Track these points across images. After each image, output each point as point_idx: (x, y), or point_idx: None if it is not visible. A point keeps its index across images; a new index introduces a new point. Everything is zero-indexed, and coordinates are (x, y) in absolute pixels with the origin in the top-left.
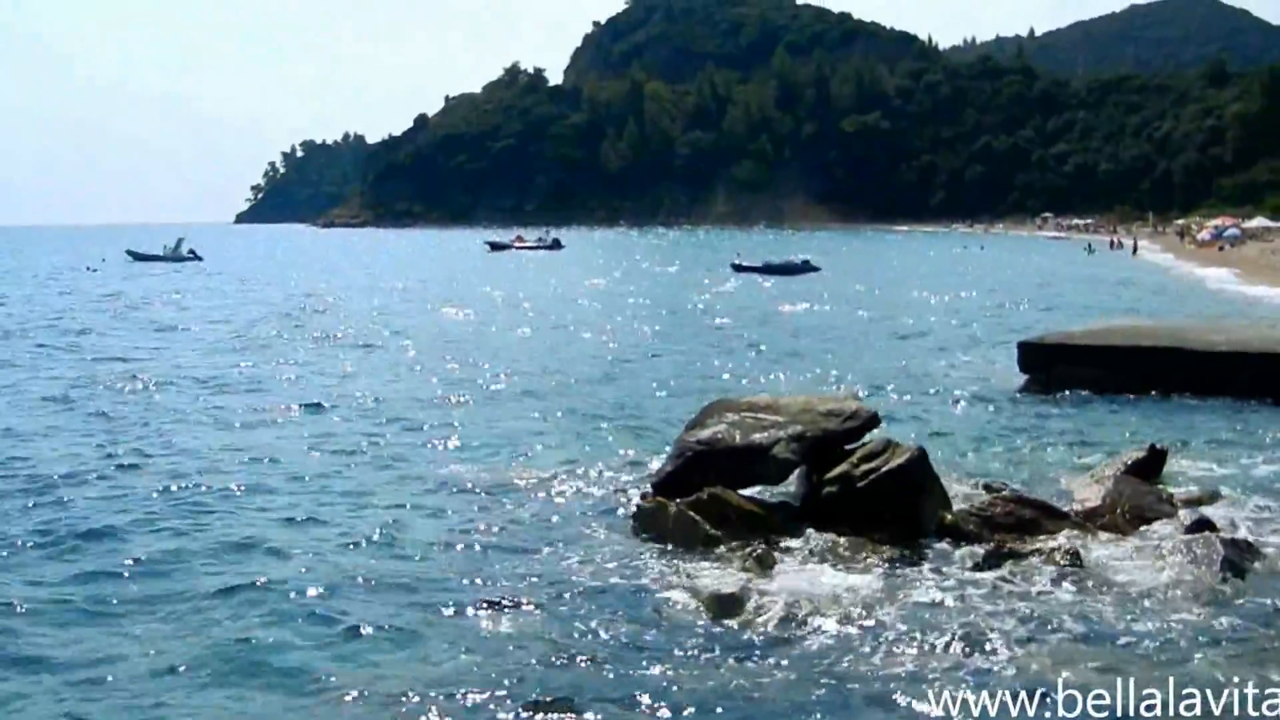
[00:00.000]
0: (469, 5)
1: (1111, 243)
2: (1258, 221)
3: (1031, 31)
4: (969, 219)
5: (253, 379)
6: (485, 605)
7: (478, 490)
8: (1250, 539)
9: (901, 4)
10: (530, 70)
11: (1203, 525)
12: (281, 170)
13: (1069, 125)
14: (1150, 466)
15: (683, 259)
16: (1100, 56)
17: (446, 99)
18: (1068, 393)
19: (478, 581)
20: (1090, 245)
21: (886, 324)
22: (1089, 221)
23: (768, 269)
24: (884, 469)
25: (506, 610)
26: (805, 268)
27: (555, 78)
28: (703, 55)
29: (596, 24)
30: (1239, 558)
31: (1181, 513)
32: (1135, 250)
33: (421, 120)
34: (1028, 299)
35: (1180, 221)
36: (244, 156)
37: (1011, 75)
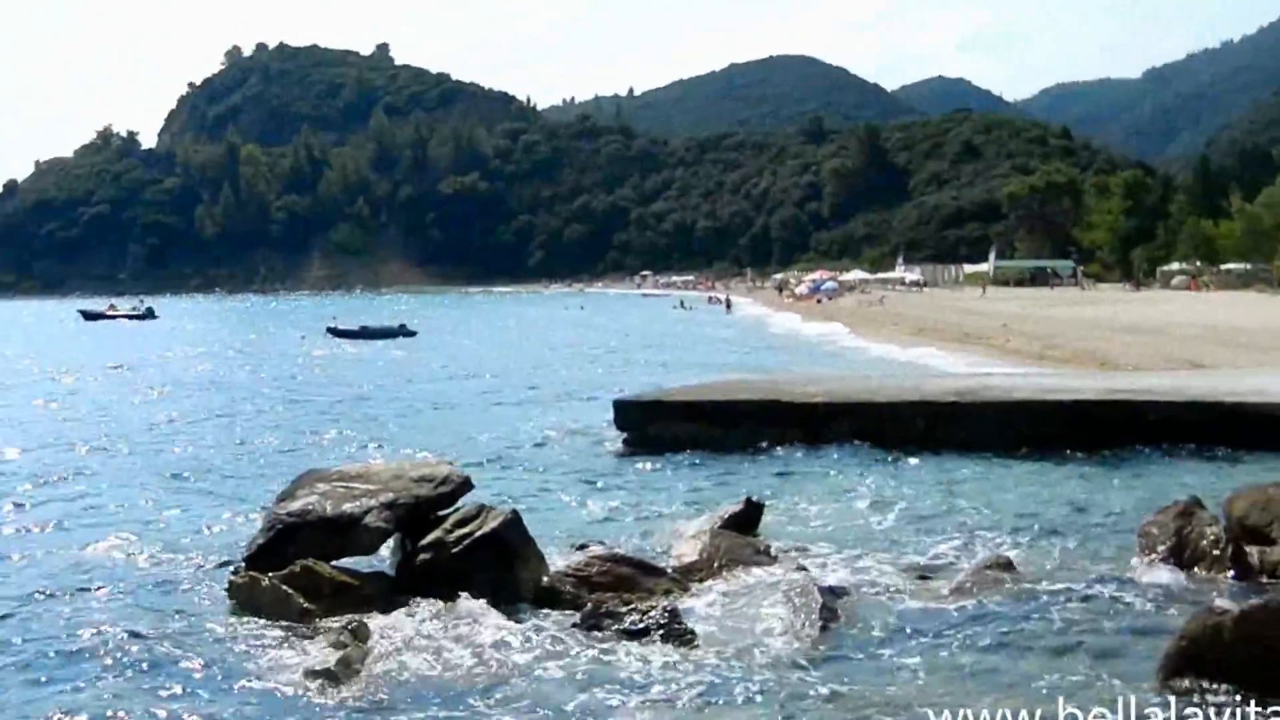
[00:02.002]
0: (61, 65)
1: (710, 298)
2: (855, 274)
3: (631, 91)
4: (569, 278)
5: None
6: (67, 698)
7: (58, 572)
8: (847, 585)
9: (500, 64)
10: (124, 134)
11: (801, 573)
12: None
13: (668, 183)
14: (747, 519)
15: (277, 325)
16: (700, 115)
17: (37, 164)
18: (665, 449)
19: (64, 668)
20: (683, 301)
21: (483, 385)
22: (688, 278)
23: (364, 333)
24: (477, 534)
25: (84, 702)
26: (402, 331)
27: (150, 141)
28: (300, 117)
29: (192, 85)
30: (836, 603)
31: (780, 563)
32: (729, 307)
33: (11, 186)
34: (625, 356)
35: (778, 276)
36: None
37: (610, 135)
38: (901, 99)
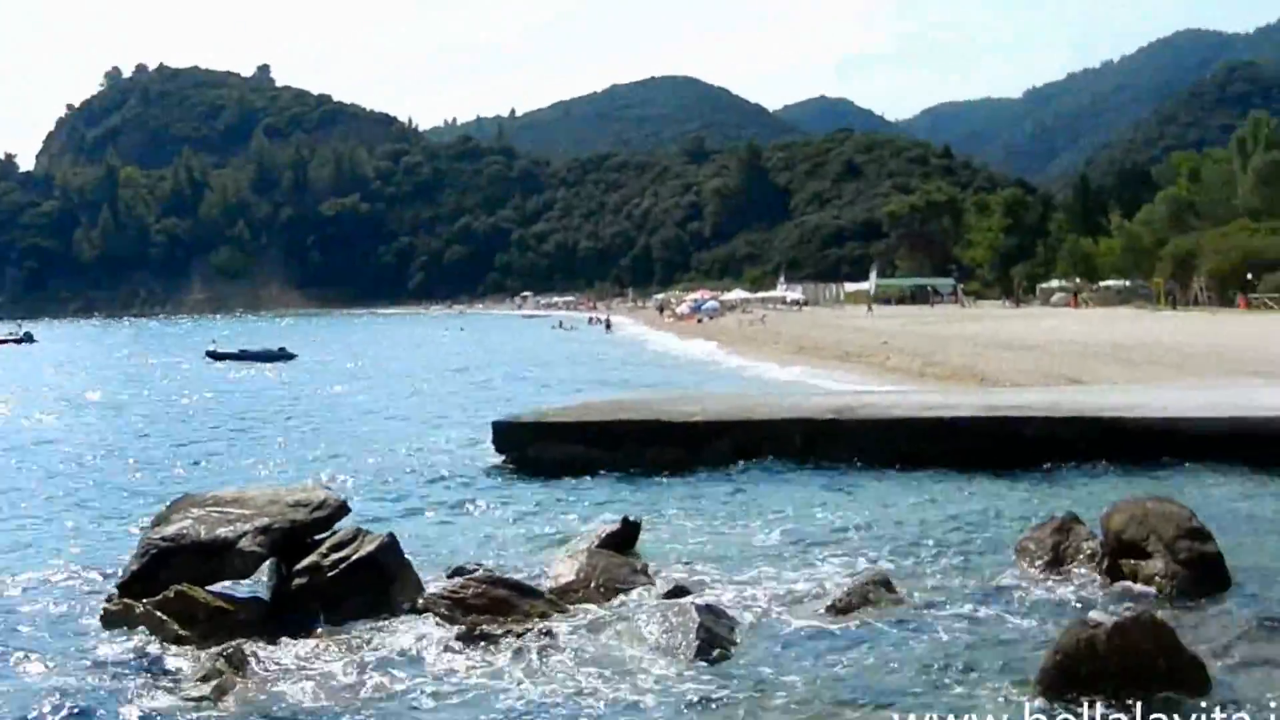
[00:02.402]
0: None
1: (591, 319)
2: (736, 294)
3: (513, 111)
4: (449, 300)
5: None
6: None
7: None
8: (726, 604)
9: (382, 85)
10: (1, 156)
11: (678, 593)
12: None
13: (549, 204)
14: (625, 538)
15: (157, 348)
16: (582, 135)
17: None
18: (544, 470)
19: None
20: (561, 322)
21: (362, 407)
22: (569, 299)
23: (244, 356)
24: (353, 557)
25: None
26: (282, 355)
27: (27, 163)
28: (180, 139)
29: (70, 107)
30: (714, 623)
31: (657, 582)
32: (609, 327)
33: None
34: (504, 377)
35: (660, 296)
36: None
37: (492, 156)
38: (783, 119)
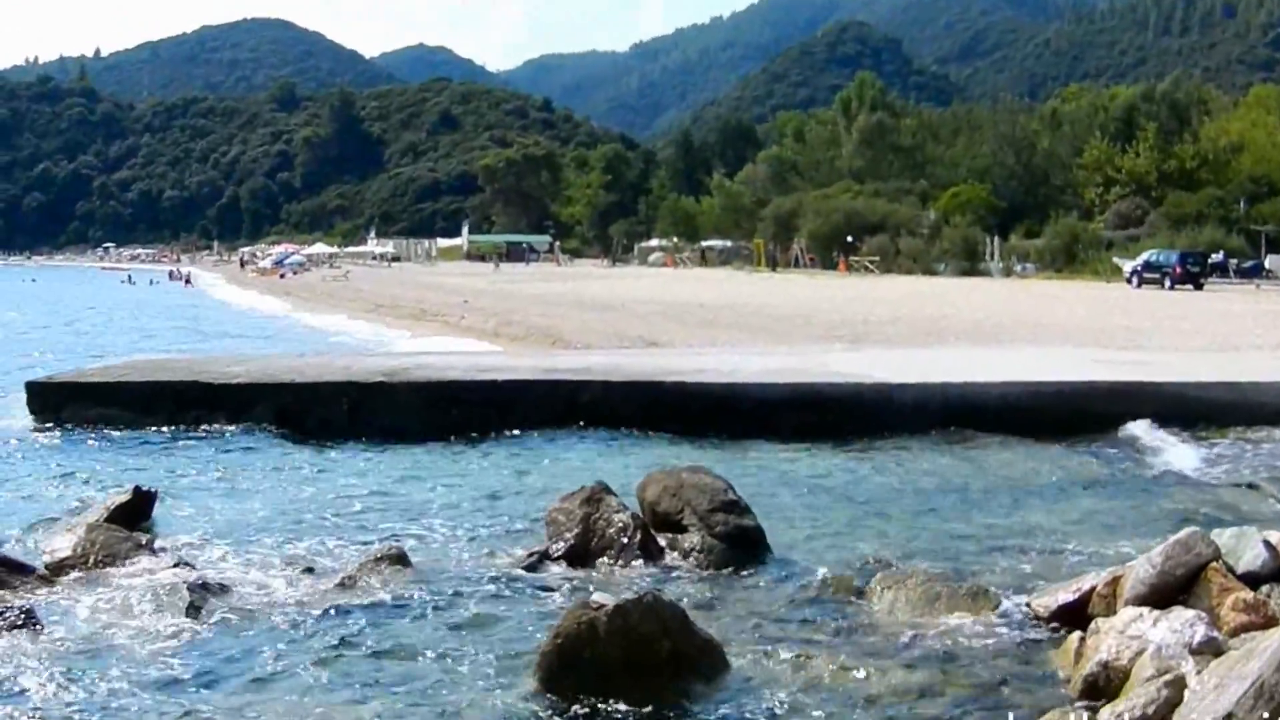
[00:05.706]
0: None
1: (172, 273)
2: (319, 248)
3: (98, 52)
4: (28, 250)
5: None
6: None
7: None
8: (231, 580)
9: None
10: None
11: (179, 568)
12: None
13: (133, 151)
14: (135, 510)
15: None
16: (169, 78)
17: None
18: (80, 433)
19: None
20: (130, 276)
21: None
22: (152, 251)
23: None
24: None
25: None
26: None
27: None
28: None
29: None
30: (204, 600)
31: (160, 557)
32: (189, 281)
33: None
34: (58, 334)
35: (246, 249)
36: None
37: (74, 98)
38: (380, 66)
